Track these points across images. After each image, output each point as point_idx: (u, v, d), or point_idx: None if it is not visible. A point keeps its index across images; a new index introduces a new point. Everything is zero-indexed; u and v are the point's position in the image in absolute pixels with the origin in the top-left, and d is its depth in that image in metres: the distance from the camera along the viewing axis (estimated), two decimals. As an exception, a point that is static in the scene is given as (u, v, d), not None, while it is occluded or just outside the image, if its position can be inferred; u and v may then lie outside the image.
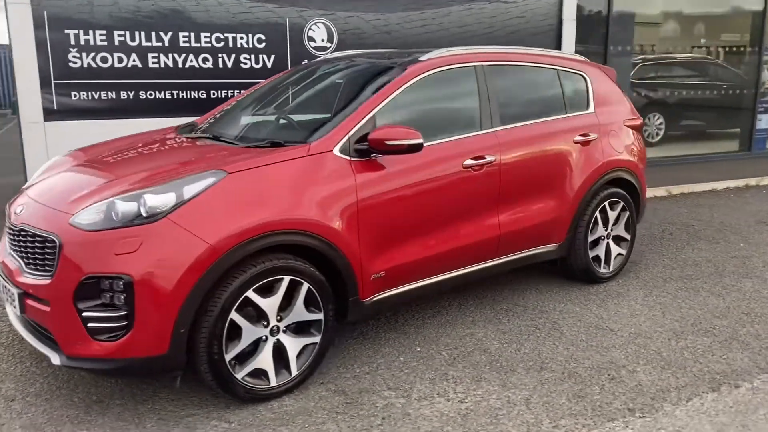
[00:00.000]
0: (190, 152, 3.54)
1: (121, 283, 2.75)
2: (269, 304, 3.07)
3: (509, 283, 4.75)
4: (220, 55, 6.49)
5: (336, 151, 3.33)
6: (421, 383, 3.33)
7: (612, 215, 4.73)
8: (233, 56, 6.54)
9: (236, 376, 3.01)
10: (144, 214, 2.83)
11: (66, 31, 5.92)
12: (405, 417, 3.01)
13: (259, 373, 3.11)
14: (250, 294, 2.99)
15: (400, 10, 7.19)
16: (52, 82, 5.96)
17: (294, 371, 3.21)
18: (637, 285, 4.75)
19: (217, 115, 4.36)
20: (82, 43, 6.00)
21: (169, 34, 6.28)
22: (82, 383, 3.31)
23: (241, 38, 6.54)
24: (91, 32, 6.01)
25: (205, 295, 2.87)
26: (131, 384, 3.29)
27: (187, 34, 6.34)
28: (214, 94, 6.52)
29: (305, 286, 3.16)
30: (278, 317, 3.13)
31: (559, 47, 8.05)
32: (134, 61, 6.20)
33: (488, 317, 4.16)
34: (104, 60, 6.08)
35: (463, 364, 3.54)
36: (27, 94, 5.89)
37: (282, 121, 4.04)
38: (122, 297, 2.76)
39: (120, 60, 6.14)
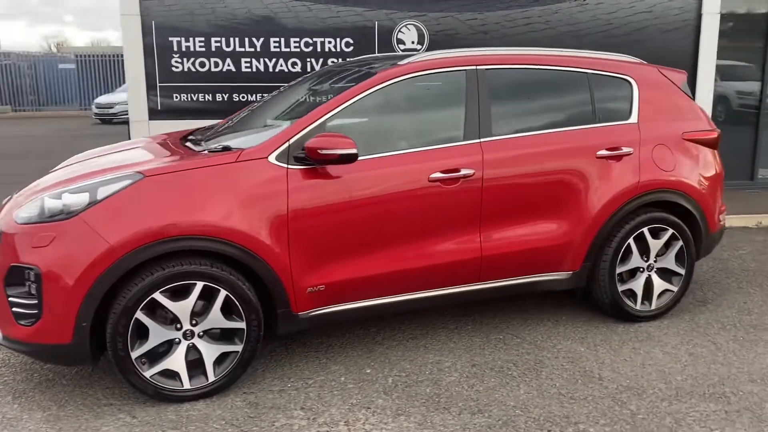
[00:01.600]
0: (153, 154, 3.66)
1: (32, 273, 2.97)
2: (180, 308, 3.10)
3: (527, 311, 4.28)
4: (308, 59, 6.68)
5: (272, 158, 3.25)
6: (338, 408, 3.14)
7: (654, 244, 4.02)
8: (321, 60, 6.69)
9: (144, 373, 3.09)
10: (64, 212, 3.02)
11: (170, 38, 6.50)
12: (290, 441, 2.87)
13: (173, 375, 3.16)
14: (158, 296, 3.04)
15: (502, 8, 6.80)
16: (157, 84, 6.58)
17: (211, 377, 3.21)
18: (682, 329, 4.00)
19: (231, 120, 4.47)
20: (183, 49, 6.55)
21: (261, 39, 6.59)
22: (52, 361, 3.61)
23: (329, 42, 6.65)
24: (191, 39, 6.53)
25: (107, 292, 2.98)
26: (87, 368, 3.52)
27: (277, 39, 6.61)
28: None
29: (222, 293, 3.14)
30: (193, 321, 3.15)
31: (696, 46, 7.06)
32: (228, 65, 6.61)
33: (472, 346, 3.79)
34: (202, 65, 6.57)
35: (399, 393, 3.27)
36: (135, 95, 6.58)
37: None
38: (34, 287, 2.98)
39: (216, 65, 6.59)
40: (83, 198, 3.03)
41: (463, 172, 3.53)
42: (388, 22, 6.71)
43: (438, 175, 3.48)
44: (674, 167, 4.01)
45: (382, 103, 3.55)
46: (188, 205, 3.10)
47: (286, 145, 3.29)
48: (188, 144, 3.81)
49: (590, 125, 3.92)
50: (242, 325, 3.22)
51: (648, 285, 4.08)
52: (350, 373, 3.48)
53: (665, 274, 4.13)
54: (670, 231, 4.04)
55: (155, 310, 3.09)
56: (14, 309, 3.05)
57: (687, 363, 3.56)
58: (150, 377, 3.11)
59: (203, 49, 6.58)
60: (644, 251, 4.03)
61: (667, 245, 4.08)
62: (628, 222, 3.94)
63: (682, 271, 4.14)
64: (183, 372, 3.16)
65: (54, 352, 3.06)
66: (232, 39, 6.59)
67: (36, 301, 2.99)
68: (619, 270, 3.98)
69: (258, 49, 6.64)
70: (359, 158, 3.35)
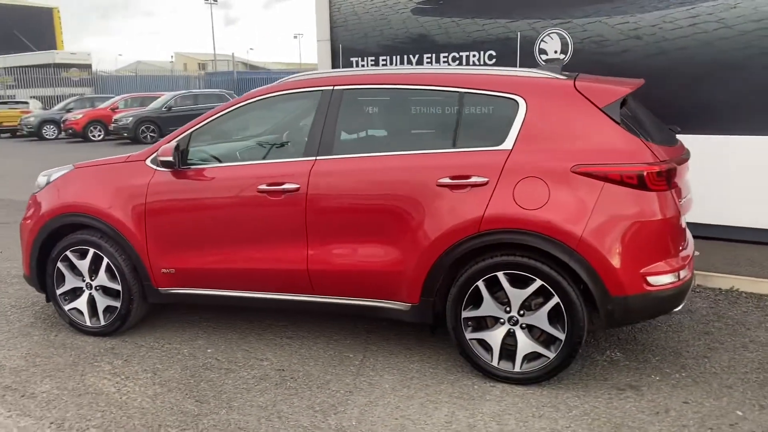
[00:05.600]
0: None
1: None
2: (82, 266, 4.26)
3: (419, 343, 4.04)
4: (455, 73, 6.86)
5: (148, 161, 4.10)
6: (140, 366, 3.85)
7: (515, 293, 3.37)
8: (465, 74, 6.79)
9: (64, 307, 4.37)
10: (38, 187, 4.51)
11: (351, 58, 7.59)
12: (79, 377, 3.76)
13: (80, 312, 4.34)
14: (68, 254, 4.27)
15: (660, 8, 5.79)
16: (342, 98, 7.70)
17: (102, 321, 4.29)
18: (530, 401, 3.28)
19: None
20: (359, 67, 7.52)
21: (416, 56, 7.13)
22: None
23: (474, 56, 6.78)
24: (365, 59, 7.49)
25: (42, 245, 4.33)
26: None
27: (429, 54, 7.06)
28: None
29: (105, 260, 4.18)
30: (92, 277, 4.28)
31: None
32: (391, 80, 7.30)
33: (311, 357, 3.91)
34: (372, 80, 7.42)
35: (189, 372, 3.77)
36: (326, 106, 7.84)
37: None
38: (24, 236, 4.55)
39: (382, 80, 7.36)
40: (45, 179, 4.45)
41: (286, 186, 3.72)
42: (531, 32, 6.39)
43: (264, 187, 3.78)
44: (543, 205, 3.28)
45: (239, 119, 4.00)
46: (86, 191, 4.22)
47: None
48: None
49: (442, 150, 3.53)
50: (119, 287, 4.19)
51: (511, 342, 3.45)
52: (200, 349, 4.08)
53: (542, 334, 3.42)
54: (539, 282, 3.33)
55: (74, 264, 4.32)
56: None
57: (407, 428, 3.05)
58: (68, 310, 4.36)
59: (373, 67, 7.43)
60: (502, 299, 3.43)
61: (531, 300, 3.38)
62: (477, 261, 3.43)
63: (562, 336, 3.35)
64: (85, 312, 4.32)
65: (28, 282, 4.57)
66: (394, 57, 7.26)
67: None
68: (467, 314, 3.50)
69: (414, 64, 7.14)
70: (216, 166, 3.98)
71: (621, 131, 3.32)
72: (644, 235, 3.27)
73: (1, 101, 27.70)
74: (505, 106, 3.49)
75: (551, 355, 3.38)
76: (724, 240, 5.76)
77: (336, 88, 3.79)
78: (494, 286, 3.44)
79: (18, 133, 24.76)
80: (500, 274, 3.39)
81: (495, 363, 3.49)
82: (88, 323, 4.32)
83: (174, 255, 4.05)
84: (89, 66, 39.07)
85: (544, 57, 6.34)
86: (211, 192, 3.93)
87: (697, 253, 5.41)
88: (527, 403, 3.29)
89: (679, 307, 3.49)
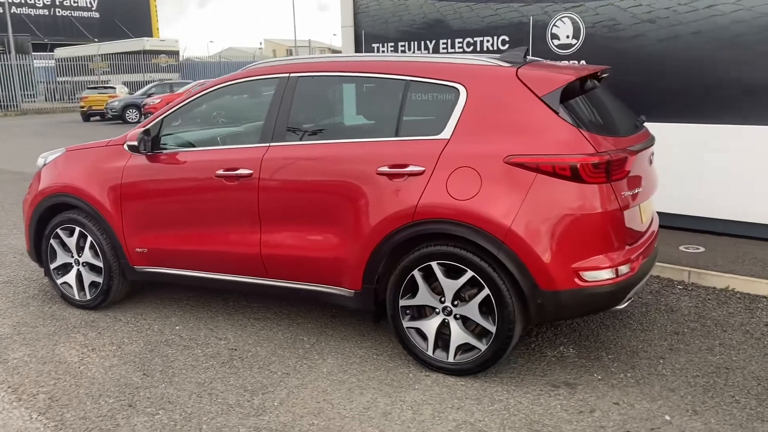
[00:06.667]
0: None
1: (27, 202, 4.88)
2: (70, 243, 4.55)
3: (375, 331, 4.07)
4: (470, 59, 6.76)
5: (125, 145, 4.31)
6: (108, 339, 4.08)
7: (449, 284, 3.34)
8: (480, 59, 6.68)
9: (57, 281, 4.67)
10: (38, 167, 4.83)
11: (372, 44, 7.65)
12: (52, 346, 4.04)
13: (70, 286, 4.63)
14: (59, 231, 4.56)
15: (675, -10, 5.49)
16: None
17: (88, 296, 4.57)
18: (448, 392, 3.27)
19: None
20: (380, 52, 7.55)
21: (433, 41, 7.10)
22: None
23: (488, 41, 6.69)
24: (386, 44, 7.51)
25: (38, 222, 4.64)
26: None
27: (445, 40, 7.02)
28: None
29: (89, 238, 4.44)
30: (79, 254, 4.55)
31: None
32: (411, 66, 7.27)
33: (267, 338, 4.03)
34: (393, 66, 7.43)
35: (150, 346, 3.97)
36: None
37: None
38: (29, 211, 4.88)
39: (402, 66, 7.34)
40: (42, 161, 4.76)
41: (240, 171, 3.82)
42: (543, 16, 6.20)
43: (221, 172, 3.89)
44: (474, 196, 3.22)
45: (205, 106, 4.12)
46: (73, 173, 4.47)
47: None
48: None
49: (385, 138, 3.52)
50: (101, 264, 4.45)
51: (447, 331, 3.43)
52: (169, 326, 4.28)
53: (477, 326, 3.37)
54: (470, 273, 3.28)
55: (64, 242, 4.61)
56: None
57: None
58: (60, 284, 4.66)
59: (393, 52, 7.42)
60: (442, 290, 3.41)
61: (470, 291, 3.34)
62: (413, 251, 3.42)
63: (492, 329, 3.29)
64: (74, 286, 4.60)
65: (29, 256, 4.91)
66: (412, 43, 7.23)
67: (26, 220, 4.90)
68: (405, 303, 3.50)
69: (430, 51, 7.09)
70: (183, 150, 4.15)
71: (559, 121, 3.21)
72: (577, 229, 3.16)
73: (92, 86, 29.33)
74: (446, 95, 3.45)
75: (483, 347, 3.34)
76: (739, 237, 5.44)
77: (291, 75, 3.85)
78: (430, 276, 3.42)
79: (106, 117, 26.22)
80: (434, 264, 3.37)
81: (430, 352, 3.47)
82: (77, 297, 4.60)
83: (145, 235, 4.25)
84: (177, 52, 40.73)
85: (556, 42, 6.15)
86: (176, 176, 4.09)
87: (701, 249, 5.17)
88: (452, 394, 3.26)
89: (624, 305, 3.37)
